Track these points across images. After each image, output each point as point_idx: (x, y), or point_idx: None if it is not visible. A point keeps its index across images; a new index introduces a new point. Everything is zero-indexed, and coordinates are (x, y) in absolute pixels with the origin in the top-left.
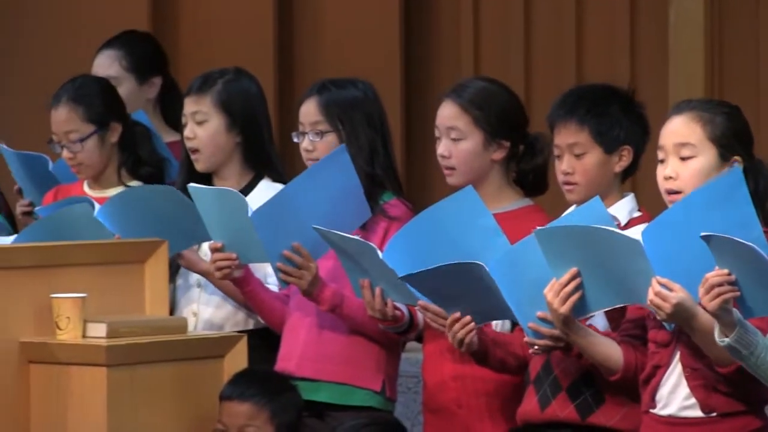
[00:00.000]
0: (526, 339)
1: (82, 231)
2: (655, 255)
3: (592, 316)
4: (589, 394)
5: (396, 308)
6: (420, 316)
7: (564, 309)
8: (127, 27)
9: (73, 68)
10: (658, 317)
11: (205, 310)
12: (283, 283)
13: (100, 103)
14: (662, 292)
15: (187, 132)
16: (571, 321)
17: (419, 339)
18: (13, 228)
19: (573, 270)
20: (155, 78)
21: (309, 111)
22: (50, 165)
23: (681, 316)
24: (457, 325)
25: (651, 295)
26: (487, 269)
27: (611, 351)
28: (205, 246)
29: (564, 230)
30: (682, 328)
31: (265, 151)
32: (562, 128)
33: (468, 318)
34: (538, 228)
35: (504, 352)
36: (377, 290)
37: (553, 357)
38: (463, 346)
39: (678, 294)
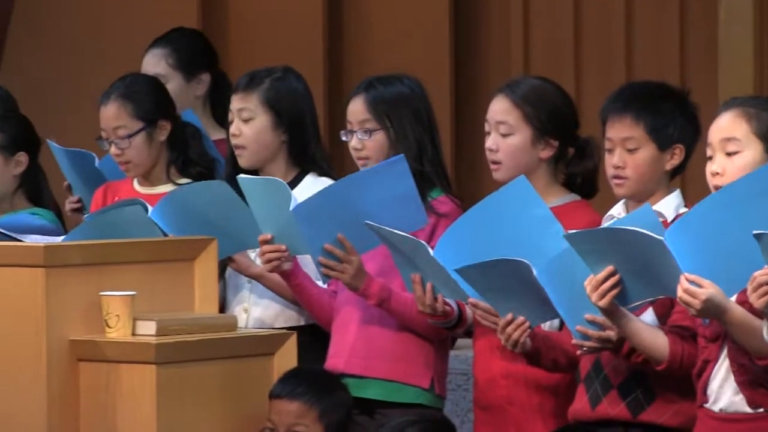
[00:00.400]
0: (574, 341)
1: (132, 231)
2: (683, 251)
3: (642, 311)
4: (640, 392)
5: (446, 303)
6: (469, 311)
7: (603, 303)
8: (177, 25)
9: (123, 67)
10: (690, 313)
11: (256, 307)
12: (325, 277)
13: (149, 100)
14: (691, 288)
15: (233, 129)
16: (614, 312)
17: (468, 334)
18: (62, 225)
19: (609, 268)
20: (203, 75)
21: (357, 109)
22: (96, 161)
23: (711, 311)
24: (511, 327)
25: (680, 292)
26: (533, 269)
27: (658, 340)
28: (253, 255)
29: (590, 233)
30: None
31: (310, 149)
32: (616, 122)
33: (522, 319)
34: (568, 232)
35: (555, 352)
36: (428, 285)
37: (602, 356)
38: (517, 347)
39: (707, 290)
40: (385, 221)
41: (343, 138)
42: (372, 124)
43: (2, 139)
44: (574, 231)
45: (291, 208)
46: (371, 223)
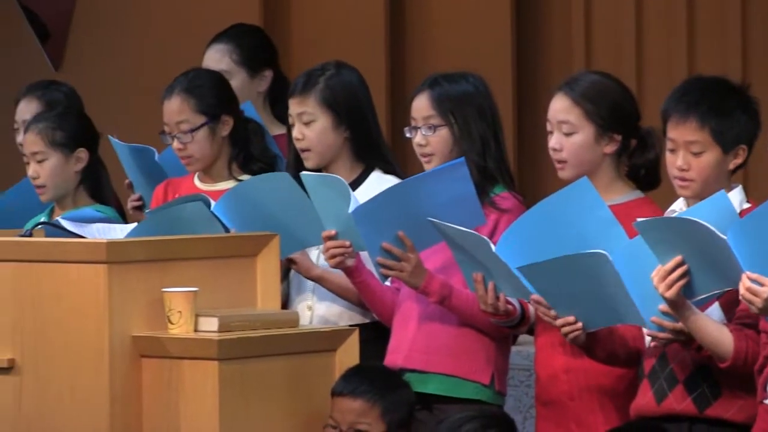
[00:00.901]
0: (647, 331)
1: (194, 227)
2: (745, 249)
3: (708, 306)
4: (707, 387)
5: (508, 302)
6: (532, 310)
7: (669, 294)
8: (238, 21)
9: (185, 63)
10: (751, 311)
11: (320, 305)
12: (383, 277)
13: (213, 95)
14: (753, 287)
15: (295, 133)
16: (680, 305)
17: (531, 332)
18: (124, 221)
19: (677, 258)
20: (266, 71)
21: (421, 106)
22: (156, 156)
23: None
24: (567, 328)
25: (742, 290)
26: (611, 259)
27: (723, 337)
28: (315, 253)
29: (661, 222)
30: None
31: (373, 141)
32: (680, 124)
33: (579, 325)
34: (639, 220)
35: (614, 345)
36: (490, 285)
37: (669, 350)
38: (570, 340)
39: None
40: (443, 220)
41: (407, 134)
42: (436, 120)
43: (61, 136)
44: (644, 219)
45: (350, 210)
46: (434, 219)
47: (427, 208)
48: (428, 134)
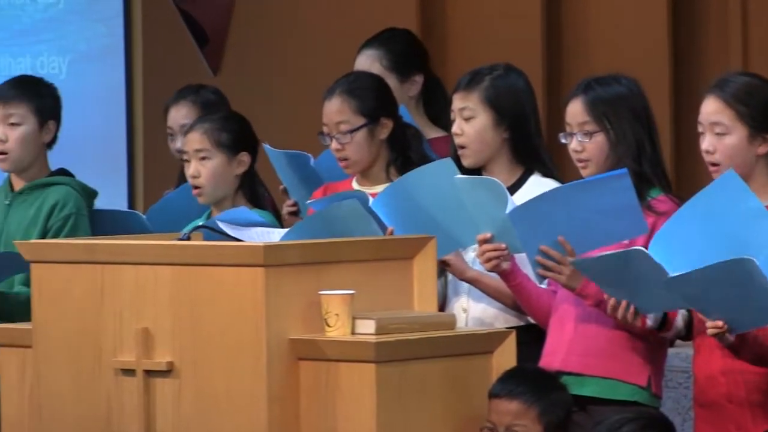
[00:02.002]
0: None
1: (349, 225)
2: None
3: None
4: None
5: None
6: (678, 317)
7: None
8: (396, 26)
9: (342, 68)
10: None
11: (476, 307)
12: (539, 279)
13: (373, 97)
14: None
15: (454, 128)
16: None
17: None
18: (280, 226)
19: None
20: (416, 75)
21: (575, 111)
22: (312, 161)
23: None
24: (714, 330)
25: None
26: (757, 263)
27: None
28: (471, 254)
29: None
30: None
31: (533, 146)
32: None
33: (723, 323)
34: None
35: (759, 345)
36: (630, 310)
37: None
38: (718, 341)
39: None
40: (604, 228)
41: (562, 140)
42: (591, 126)
43: (227, 138)
44: None
45: (507, 211)
46: (580, 260)
47: (587, 214)
48: (584, 140)
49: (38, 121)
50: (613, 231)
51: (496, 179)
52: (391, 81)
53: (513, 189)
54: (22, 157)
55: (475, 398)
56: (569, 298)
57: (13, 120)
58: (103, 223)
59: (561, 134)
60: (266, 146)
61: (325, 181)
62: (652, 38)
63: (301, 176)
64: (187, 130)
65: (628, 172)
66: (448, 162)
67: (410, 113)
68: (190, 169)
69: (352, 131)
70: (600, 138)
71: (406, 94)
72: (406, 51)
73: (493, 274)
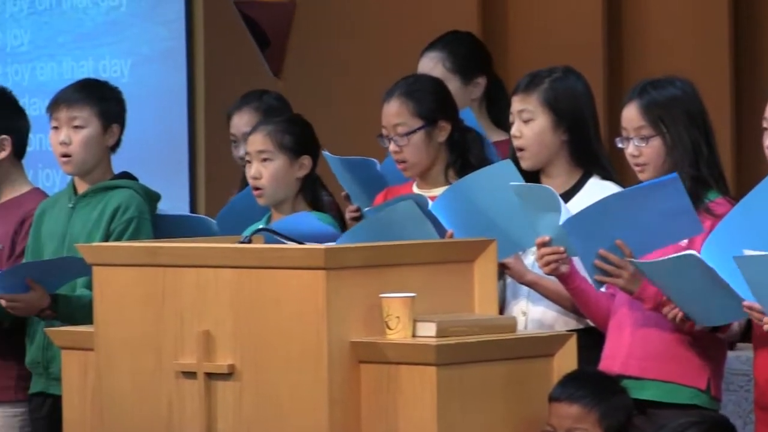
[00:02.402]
0: None
1: (406, 228)
2: None
3: None
4: None
5: None
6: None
7: None
8: (456, 28)
9: (404, 71)
10: None
11: (535, 310)
12: (598, 284)
13: (432, 100)
14: None
15: (513, 130)
16: None
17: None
18: (342, 230)
19: None
20: (479, 78)
21: (631, 116)
22: (378, 166)
23: None
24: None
25: None
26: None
27: None
28: (531, 257)
29: None
30: None
31: (592, 149)
32: None
33: None
34: None
35: None
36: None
37: None
38: None
39: None
40: (659, 230)
41: (619, 145)
42: (647, 131)
43: (290, 140)
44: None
45: (561, 221)
46: (638, 262)
47: (642, 218)
48: (641, 145)
49: (102, 124)
50: (669, 233)
51: (549, 187)
52: (454, 83)
53: (572, 192)
54: (85, 160)
55: (536, 401)
56: (628, 302)
57: (77, 123)
58: (168, 228)
59: (618, 138)
60: (325, 153)
61: (390, 185)
62: (712, 40)
63: (362, 181)
64: (250, 131)
65: (678, 177)
66: (507, 164)
67: (474, 115)
68: (252, 170)
69: (409, 133)
70: (656, 142)
71: (469, 96)
72: (469, 53)
73: (552, 278)
